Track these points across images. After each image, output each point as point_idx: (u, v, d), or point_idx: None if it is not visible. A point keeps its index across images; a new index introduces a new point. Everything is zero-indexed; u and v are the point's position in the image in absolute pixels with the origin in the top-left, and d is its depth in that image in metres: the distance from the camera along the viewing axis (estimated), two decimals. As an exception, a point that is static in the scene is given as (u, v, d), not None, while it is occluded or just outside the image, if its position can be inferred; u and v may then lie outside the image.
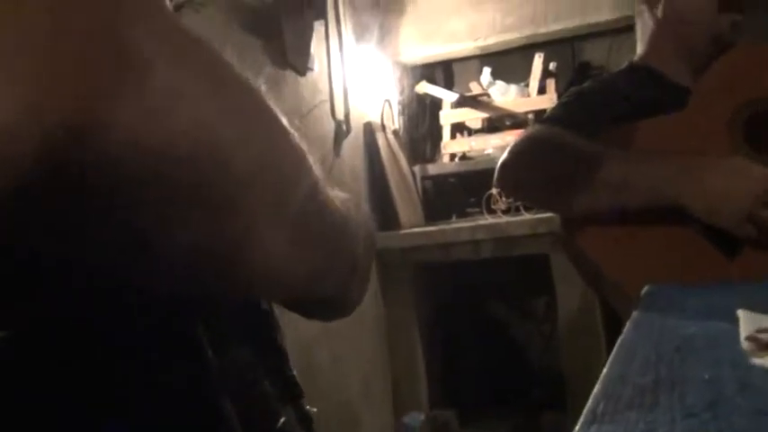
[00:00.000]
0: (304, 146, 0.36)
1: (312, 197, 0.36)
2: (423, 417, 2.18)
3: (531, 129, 1.13)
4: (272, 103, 0.34)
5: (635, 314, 0.76)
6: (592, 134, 1.07)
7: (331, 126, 2.09)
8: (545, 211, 1.84)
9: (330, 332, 2.00)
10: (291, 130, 0.35)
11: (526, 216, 2.18)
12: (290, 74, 1.92)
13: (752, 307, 0.60)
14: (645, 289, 0.83)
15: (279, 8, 1.81)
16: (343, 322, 2.09)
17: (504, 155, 1.10)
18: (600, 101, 1.18)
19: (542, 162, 1.05)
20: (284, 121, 0.34)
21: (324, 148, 2.07)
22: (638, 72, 1.26)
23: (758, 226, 0.91)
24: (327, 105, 2.08)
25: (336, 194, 0.40)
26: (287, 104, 1.90)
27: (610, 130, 1.08)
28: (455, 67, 2.96)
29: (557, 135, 1.06)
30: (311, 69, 2.01)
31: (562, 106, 1.19)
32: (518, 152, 1.08)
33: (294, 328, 1.82)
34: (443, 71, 2.95)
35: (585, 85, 1.26)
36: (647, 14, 1.26)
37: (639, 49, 1.32)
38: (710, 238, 0.96)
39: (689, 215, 0.96)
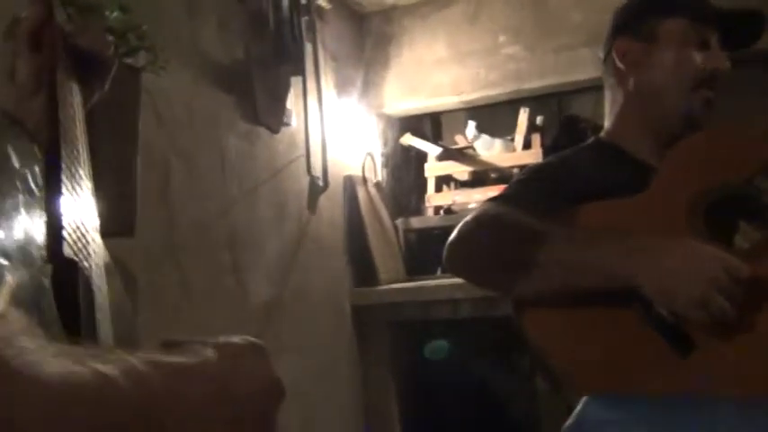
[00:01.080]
0: None
1: None
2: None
3: (480, 208, 1.09)
4: None
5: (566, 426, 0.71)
6: (546, 213, 1.03)
7: (307, 182, 2.06)
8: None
9: (300, 391, 1.94)
10: None
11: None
12: (264, 129, 1.90)
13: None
14: (583, 401, 0.78)
15: (250, 65, 1.79)
16: (315, 381, 2.03)
17: (453, 234, 1.06)
18: (559, 179, 1.14)
19: (490, 242, 1.01)
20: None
21: (299, 204, 2.04)
22: (603, 149, 1.21)
23: (710, 313, 0.86)
24: (304, 161, 2.05)
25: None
26: (260, 161, 1.88)
27: (566, 209, 1.04)
28: (443, 119, 2.95)
29: (506, 214, 1.02)
30: (287, 125, 1.99)
31: (517, 184, 1.16)
32: (466, 231, 1.04)
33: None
34: (431, 123, 2.94)
35: (545, 161, 1.23)
36: (616, 87, 1.22)
37: (607, 122, 1.27)
38: (664, 334, 0.91)
39: (642, 299, 0.91)
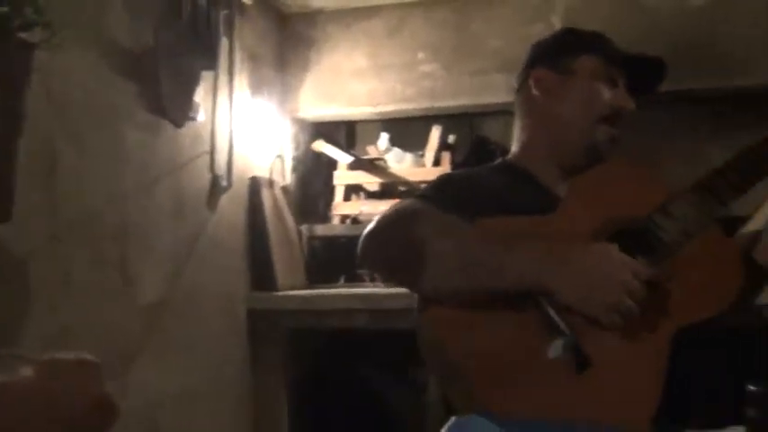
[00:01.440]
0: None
1: None
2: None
3: (400, 203, 1.09)
4: None
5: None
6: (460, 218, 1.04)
7: (209, 179, 2.00)
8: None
9: (184, 395, 1.87)
10: None
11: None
12: (168, 122, 1.83)
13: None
14: (450, 421, 0.79)
15: (158, 54, 1.72)
16: (203, 383, 1.97)
17: (371, 224, 1.05)
18: (468, 190, 1.15)
19: (408, 235, 1.00)
20: None
21: (198, 201, 1.98)
22: (511, 171, 1.24)
23: (621, 315, 0.89)
24: (208, 158, 2.00)
25: None
26: (160, 154, 1.81)
27: (474, 219, 1.05)
28: (358, 128, 2.94)
29: (427, 210, 1.03)
30: (193, 119, 1.92)
31: (433, 188, 1.16)
32: (385, 223, 1.03)
33: (139, 390, 1.70)
34: (346, 131, 2.93)
35: (456, 172, 1.26)
36: (526, 115, 1.25)
37: (514, 147, 1.30)
38: (565, 346, 0.93)
39: (545, 309, 0.93)
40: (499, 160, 1.33)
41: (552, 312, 0.92)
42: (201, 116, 1.95)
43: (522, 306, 0.95)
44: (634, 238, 1.02)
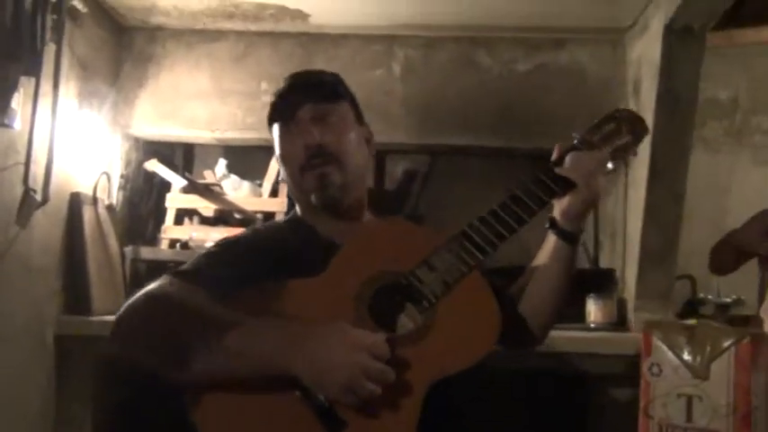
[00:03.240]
0: None
1: None
2: None
3: (157, 283, 1.06)
4: None
5: None
6: (227, 293, 1.04)
7: (21, 193, 1.85)
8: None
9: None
10: None
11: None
12: (-23, 128, 1.68)
13: None
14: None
15: (-30, 55, 1.59)
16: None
17: (121, 309, 1.02)
18: (252, 254, 1.16)
19: (161, 322, 0.99)
20: None
21: (7, 217, 1.82)
22: (298, 226, 1.28)
23: (359, 396, 0.92)
24: (22, 169, 1.85)
25: None
26: (-36, 161, 1.65)
27: (249, 289, 1.06)
28: (197, 151, 2.87)
29: (180, 294, 1.01)
30: (8, 127, 1.78)
31: (207, 257, 1.15)
32: (135, 309, 1.01)
33: None
34: (183, 153, 2.85)
35: (242, 234, 1.27)
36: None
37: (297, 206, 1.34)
38: (318, 415, 0.95)
39: (302, 386, 0.95)
40: (291, 214, 1.35)
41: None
42: (18, 124, 1.81)
43: (285, 385, 0.96)
44: (400, 293, 1.08)
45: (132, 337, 1.01)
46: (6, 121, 1.76)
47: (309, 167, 1.20)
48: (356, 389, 0.91)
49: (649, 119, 2.17)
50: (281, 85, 1.31)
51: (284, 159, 1.26)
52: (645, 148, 2.21)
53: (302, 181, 1.22)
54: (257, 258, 1.13)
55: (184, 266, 1.12)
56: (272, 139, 1.32)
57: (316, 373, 0.92)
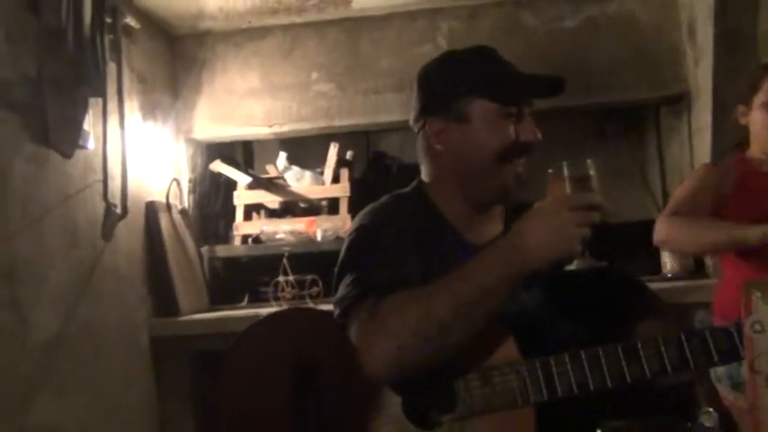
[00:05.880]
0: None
1: None
2: None
3: (361, 312, 1.02)
4: None
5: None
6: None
7: (103, 208, 1.96)
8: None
9: (88, 429, 1.82)
10: None
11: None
12: (55, 153, 1.78)
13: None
14: None
15: (43, 84, 1.68)
16: (104, 418, 1.89)
17: (360, 347, 1.00)
18: (388, 243, 1.12)
19: (404, 328, 0.98)
20: None
21: (93, 232, 1.93)
22: (422, 202, 1.22)
23: (583, 241, 0.94)
24: (101, 186, 1.95)
25: None
26: (49, 185, 1.75)
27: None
28: (255, 147, 2.95)
29: (394, 300, 1.01)
30: (84, 148, 1.88)
31: (366, 264, 1.10)
32: (372, 336, 0.99)
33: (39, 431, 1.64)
34: (243, 151, 2.93)
35: (368, 223, 1.17)
36: (431, 159, 1.21)
37: (424, 176, 1.25)
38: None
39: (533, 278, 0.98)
40: (415, 182, 1.26)
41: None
42: (91, 144, 1.91)
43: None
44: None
45: (397, 357, 0.98)
46: (82, 143, 1.86)
47: (513, 161, 1.14)
48: (581, 236, 0.94)
49: (708, 61, 2.12)
50: (482, 57, 1.20)
51: (489, 143, 1.14)
52: (707, 92, 2.16)
53: (498, 170, 1.14)
54: (397, 243, 1.11)
55: (364, 286, 1.06)
56: (454, 101, 1.17)
57: (544, 241, 0.95)
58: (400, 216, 1.18)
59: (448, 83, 1.19)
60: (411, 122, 1.25)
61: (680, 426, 0.51)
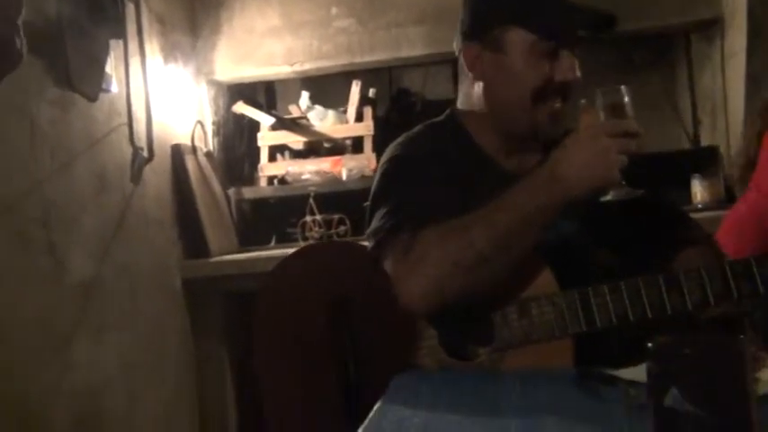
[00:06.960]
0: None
1: None
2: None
3: (398, 242, 1.00)
4: None
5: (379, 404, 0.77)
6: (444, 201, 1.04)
7: (130, 152, 1.96)
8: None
9: (127, 370, 1.87)
10: None
11: (337, 246, 2.18)
12: (80, 96, 1.77)
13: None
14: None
15: (62, 26, 1.66)
16: (141, 357, 1.95)
17: (396, 281, 0.98)
18: (423, 172, 1.10)
19: (442, 260, 0.96)
20: None
21: (121, 175, 1.94)
22: (457, 130, 1.18)
23: (621, 169, 0.92)
24: (126, 129, 1.95)
25: None
26: (75, 130, 1.76)
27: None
28: (277, 88, 2.92)
29: (430, 233, 0.98)
30: (107, 91, 1.87)
31: (401, 194, 1.07)
32: (411, 267, 0.96)
33: (79, 370, 1.69)
34: (265, 91, 2.90)
35: (402, 152, 1.13)
36: (469, 83, 1.16)
37: (460, 99, 1.20)
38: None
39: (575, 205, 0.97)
40: (448, 111, 1.22)
41: None
42: (114, 87, 1.90)
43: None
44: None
45: (434, 288, 0.97)
46: (105, 86, 1.85)
47: (549, 99, 1.08)
48: (618, 163, 0.92)
49: (744, -20, 2.03)
50: None
51: (524, 79, 1.08)
52: (741, 15, 2.08)
53: (532, 108, 1.08)
54: (432, 171, 1.08)
55: (400, 217, 1.03)
56: (491, 31, 1.11)
57: (583, 166, 0.93)
58: (435, 145, 1.15)
59: (486, 6, 1.14)
60: (454, 43, 1.19)
61: (735, 340, 0.51)
